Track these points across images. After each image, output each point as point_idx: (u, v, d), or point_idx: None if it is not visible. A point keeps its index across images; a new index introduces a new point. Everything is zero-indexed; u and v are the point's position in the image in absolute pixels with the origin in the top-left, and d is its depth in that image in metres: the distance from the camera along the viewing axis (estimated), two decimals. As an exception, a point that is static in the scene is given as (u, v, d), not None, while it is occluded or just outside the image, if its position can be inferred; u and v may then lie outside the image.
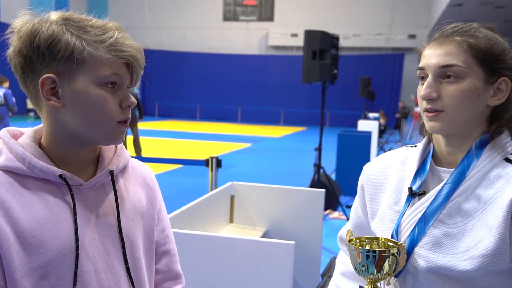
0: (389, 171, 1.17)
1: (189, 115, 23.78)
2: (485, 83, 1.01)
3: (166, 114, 23.84)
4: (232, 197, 3.15)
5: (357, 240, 1.06)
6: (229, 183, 3.15)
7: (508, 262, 0.96)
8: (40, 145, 0.96)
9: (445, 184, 1.03)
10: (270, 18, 23.26)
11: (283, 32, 22.77)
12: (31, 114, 19.80)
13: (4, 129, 0.98)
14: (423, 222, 1.03)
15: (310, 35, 5.78)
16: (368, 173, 1.21)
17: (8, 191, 0.89)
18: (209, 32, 23.79)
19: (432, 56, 1.03)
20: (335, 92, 16.45)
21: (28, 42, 0.88)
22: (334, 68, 5.92)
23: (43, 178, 0.92)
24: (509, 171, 1.00)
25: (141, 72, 0.96)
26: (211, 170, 3.88)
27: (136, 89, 9.68)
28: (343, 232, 1.28)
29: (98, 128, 0.92)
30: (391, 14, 21.68)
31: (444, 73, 1.01)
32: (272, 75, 22.90)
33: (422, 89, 1.03)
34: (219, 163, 3.89)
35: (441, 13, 15.40)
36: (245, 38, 23.60)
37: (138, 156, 7.37)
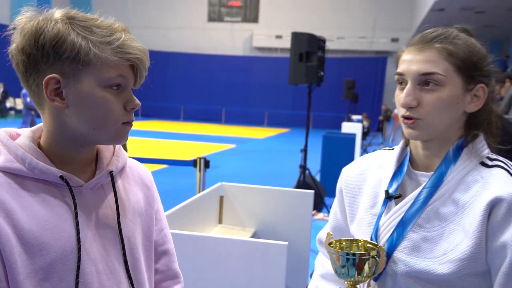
0: (367, 174, 1.17)
1: (173, 115, 23.67)
2: (463, 90, 1.02)
3: (150, 114, 23.67)
4: (221, 198, 3.16)
5: (337, 243, 1.06)
6: (219, 183, 3.15)
7: (484, 265, 0.97)
8: (39, 146, 0.94)
9: (423, 188, 1.03)
10: (255, 19, 23.31)
11: (268, 34, 22.84)
12: (12, 112, 19.46)
13: (1, 129, 0.97)
14: (402, 227, 1.03)
15: (297, 37, 5.82)
16: (347, 176, 1.21)
17: (8, 193, 0.87)
18: (194, 32, 23.72)
19: (411, 62, 1.02)
20: (319, 94, 16.56)
21: (32, 41, 0.86)
22: (321, 70, 5.97)
23: (43, 179, 0.91)
24: (485, 175, 1.02)
25: (145, 74, 0.95)
26: (199, 170, 3.88)
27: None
28: (322, 234, 1.27)
29: (102, 129, 0.91)
30: (374, 18, 21.93)
31: (423, 80, 1.01)
32: (257, 76, 22.95)
33: (402, 97, 1.02)
34: (207, 163, 3.89)
35: (423, 18, 15.65)
36: (230, 39, 23.60)
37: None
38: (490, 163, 1.04)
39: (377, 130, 19.23)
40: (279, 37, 22.43)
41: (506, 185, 0.98)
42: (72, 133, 0.92)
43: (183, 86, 23.73)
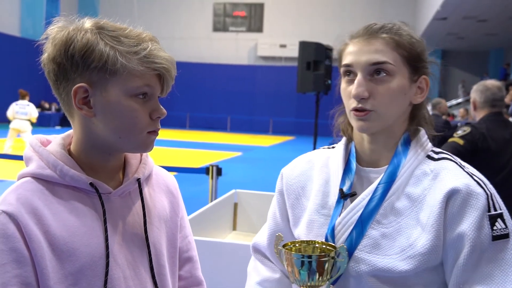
0: (311, 173, 1.13)
1: (179, 124, 23.75)
2: (409, 81, 1.02)
3: (155, 123, 23.75)
4: (235, 205, 3.21)
5: (291, 245, 0.99)
6: (233, 191, 3.21)
7: (439, 258, 0.96)
8: (69, 153, 0.96)
9: (378, 184, 1.01)
10: (259, 29, 23.46)
11: (272, 43, 22.96)
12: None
13: (33, 137, 0.98)
14: (361, 225, 1.00)
15: (304, 46, 5.90)
16: (288, 177, 1.16)
17: (40, 199, 0.89)
18: (199, 42, 23.88)
19: (360, 53, 1.00)
20: (325, 102, 16.60)
21: (62, 50, 0.88)
22: (328, 78, 6.04)
23: (73, 186, 0.92)
24: (433, 167, 1.02)
25: (172, 83, 0.95)
26: (211, 178, 3.93)
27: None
28: (258, 239, 1.22)
29: (128, 138, 0.92)
30: (378, 26, 22.00)
31: (374, 70, 0.99)
32: (261, 85, 23.04)
33: (351, 89, 1.01)
34: (219, 171, 3.95)
35: (426, 26, 15.73)
36: (235, 49, 23.74)
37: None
38: (436, 156, 1.05)
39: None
40: (283, 46, 22.54)
41: (458, 176, 0.99)
42: (100, 141, 0.93)
43: (188, 95, 23.83)
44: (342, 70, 1.05)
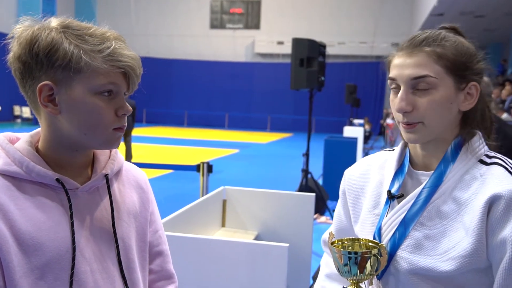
0: (369, 175, 1.19)
1: (177, 122, 23.77)
2: (455, 90, 1.03)
3: (154, 120, 23.79)
4: (224, 202, 3.21)
5: (339, 242, 1.06)
6: (221, 187, 3.21)
7: (485, 261, 0.98)
8: (37, 150, 0.97)
9: (424, 188, 1.05)
10: (257, 26, 23.44)
11: (269, 40, 22.96)
12: (18, 120, 19.60)
13: (1, 134, 0.99)
14: (404, 226, 1.04)
15: (297, 43, 5.90)
16: (350, 178, 1.22)
17: (6, 195, 0.90)
18: (196, 39, 23.87)
19: (402, 66, 1.04)
20: (321, 98, 16.66)
21: (27, 49, 0.89)
22: (321, 75, 6.05)
23: (40, 182, 0.93)
24: (483, 172, 1.03)
25: (138, 81, 0.97)
26: (202, 175, 3.94)
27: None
28: (326, 235, 1.28)
29: (93, 135, 0.93)
30: (375, 23, 22.02)
31: (416, 84, 1.02)
32: (259, 82, 23.05)
33: (396, 102, 1.04)
34: (210, 168, 3.96)
35: (423, 22, 15.72)
36: (232, 46, 23.73)
37: (127, 162, 7.38)
38: (488, 160, 1.06)
39: (379, 134, 19.26)
40: (280, 43, 22.54)
41: (504, 181, 0.99)
42: (66, 138, 0.94)
43: (186, 93, 23.85)
44: (388, 82, 1.09)
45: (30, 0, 18.35)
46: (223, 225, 3.24)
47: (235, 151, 13.37)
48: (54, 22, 0.92)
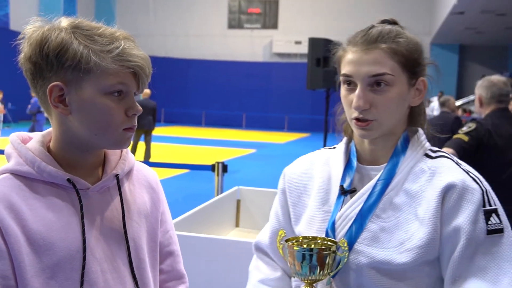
0: (312, 172, 1.17)
1: (194, 121, 23.89)
2: (408, 86, 1.05)
3: (172, 120, 23.95)
4: (238, 202, 3.22)
5: (294, 240, 1.03)
6: (235, 187, 3.22)
7: (436, 252, 1.00)
8: (48, 150, 0.98)
9: (378, 180, 1.06)
10: (274, 26, 23.41)
11: (287, 40, 22.89)
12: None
13: (13, 134, 1.00)
14: (360, 219, 1.04)
15: (314, 42, 5.88)
16: (290, 176, 1.20)
17: (18, 195, 0.91)
18: (214, 39, 23.95)
19: (359, 63, 1.02)
20: (338, 98, 16.53)
21: (37, 50, 0.89)
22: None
23: (51, 182, 0.94)
24: (431, 165, 1.06)
25: (148, 80, 0.96)
26: (217, 175, 3.96)
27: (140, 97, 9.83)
28: (260, 238, 1.24)
29: (103, 135, 0.94)
30: (394, 21, 21.75)
31: (373, 81, 1.02)
32: (276, 82, 23.01)
33: (352, 99, 1.03)
34: (225, 168, 3.97)
35: (442, 21, 15.49)
36: (250, 46, 23.75)
37: (146, 161, 7.48)
38: (433, 154, 1.09)
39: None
40: (298, 42, 22.46)
41: (455, 172, 1.03)
42: (76, 138, 0.95)
43: (203, 93, 23.95)
44: (341, 78, 1.07)
45: (52, 0, 18.71)
46: (237, 225, 3.25)
47: (252, 151, 13.37)
48: (64, 22, 0.93)
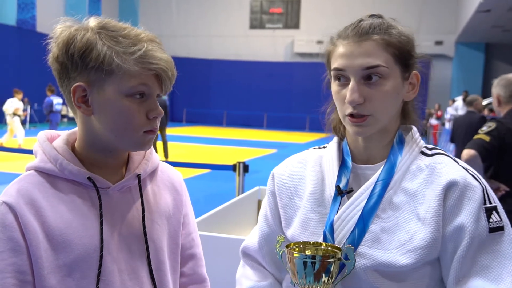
0: (304, 173, 1.12)
1: (216, 121, 24.01)
2: (402, 80, 1.01)
3: (193, 120, 24.13)
4: (259, 202, 3.22)
5: (294, 246, 0.97)
6: (256, 187, 3.22)
7: (437, 252, 0.97)
8: (73, 148, 0.99)
9: (377, 181, 1.01)
10: (296, 25, 23.34)
11: (309, 39, 22.80)
12: (65, 120, 20.32)
13: (41, 132, 1.02)
14: (363, 222, 1.00)
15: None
16: (280, 178, 1.14)
17: (40, 191, 0.92)
18: (236, 39, 24.03)
19: (351, 56, 0.98)
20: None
21: (64, 50, 0.91)
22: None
23: (73, 180, 0.95)
24: (428, 163, 1.02)
25: (172, 83, 0.96)
26: (238, 175, 3.97)
27: (164, 96, 10.01)
28: (248, 242, 1.17)
29: (123, 137, 0.94)
30: (418, 21, 21.46)
31: (367, 74, 0.97)
32: (298, 82, 22.94)
33: (345, 94, 0.98)
34: (246, 168, 3.97)
35: (468, 19, 15.20)
36: (271, 46, 23.74)
37: (167, 161, 7.56)
38: (429, 152, 1.06)
39: (421, 134, 18.75)
40: (320, 42, 22.13)
41: (455, 169, 1.00)
42: (98, 139, 0.96)
43: (225, 93, 24.05)
44: (332, 73, 1.03)
45: (77, 1, 19.05)
46: (257, 225, 3.25)
47: (274, 151, 13.36)
48: (92, 22, 0.94)
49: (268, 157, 12.00)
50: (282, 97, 23.34)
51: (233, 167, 4.07)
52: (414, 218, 0.98)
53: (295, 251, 0.94)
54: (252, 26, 24.01)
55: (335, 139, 1.13)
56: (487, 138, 2.74)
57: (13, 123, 11.46)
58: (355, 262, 0.96)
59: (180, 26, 24.28)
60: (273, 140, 16.68)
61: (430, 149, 1.07)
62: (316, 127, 22.62)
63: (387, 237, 0.98)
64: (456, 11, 20.35)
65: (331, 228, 1.01)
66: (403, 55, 1.01)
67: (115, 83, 0.91)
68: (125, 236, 0.98)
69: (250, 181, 4.65)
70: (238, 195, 3.91)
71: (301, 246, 0.97)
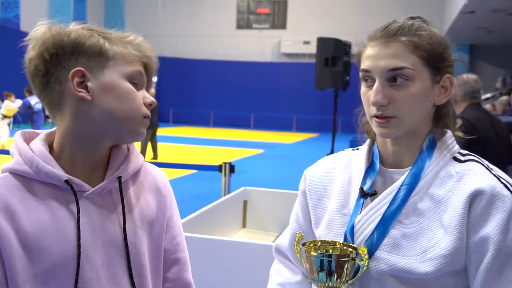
0: (334, 174, 1.13)
1: (203, 122, 23.95)
2: (431, 82, 0.99)
3: (180, 120, 24.03)
4: (245, 202, 3.21)
5: (311, 244, 0.99)
6: (242, 188, 3.21)
7: (462, 262, 0.94)
8: (51, 149, 0.94)
9: (402, 185, 1.00)
10: (283, 26, 23.38)
11: (296, 40, 22.86)
12: (49, 120, 20.09)
13: (19, 132, 0.97)
14: (383, 225, 0.99)
15: (322, 42, 5.86)
16: (311, 178, 1.15)
17: (15, 195, 0.88)
18: (223, 40, 23.99)
19: (377, 57, 0.98)
20: (347, 98, 16.48)
21: (57, 41, 0.89)
22: (346, 75, 5.99)
23: (50, 183, 0.91)
24: (459, 169, 1.00)
25: (154, 75, 0.98)
26: (224, 175, 3.95)
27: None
28: (281, 241, 1.20)
29: (126, 121, 0.92)
30: (404, 21, 21.65)
31: (392, 76, 0.97)
32: (285, 82, 23.00)
33: (371, 95, 0.99)
34: (232, 168, 3.96)
35: (453, 20, 15.37)
36: (258, 46, 23.75)
37: (154, 161, 7.54)
38: (462, 158, 1.03)
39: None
40: (307, 42, 22.41)
41: (484, 177, 0.97)
42: (93, 129, 0.92)
43: (212, 93, 24.00)
44: (360, 74, 1.03)
45: (62, 1, 18.85)
46: (243, 225, 3.24)
47: (260, 151, 13.36)
48: (73, 26, 0.94)
49: (255, 157, 11.99)
50: (269, 97, 23.36)
51: (219, 168, 4.05)
52: (438, 225, 0.96)
53: (311, 249, 0.96)
54: (239, 26, 23.99)
55: (367, 141, 1.13)
56: (460, 134, 2.84)
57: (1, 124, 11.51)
58: (367, 263, 0.96)
59: (166, 26, 24.16)
60: (260, 140, 16.68)
61: (464, 155, 1.04)
62: (303, 127, 22.70)
63: (408, 243, 0.97)
64: (441, 12, 20.58)
65: (351, 230, 1.02)
66: (433, 57, 0.99)
67: (117, 67, 0.92)
68: (104, 241, 0.94)
69: (237, 181, 4.62)
70: (224, 195, 3.89)
71: (318, 244, 1.00)
